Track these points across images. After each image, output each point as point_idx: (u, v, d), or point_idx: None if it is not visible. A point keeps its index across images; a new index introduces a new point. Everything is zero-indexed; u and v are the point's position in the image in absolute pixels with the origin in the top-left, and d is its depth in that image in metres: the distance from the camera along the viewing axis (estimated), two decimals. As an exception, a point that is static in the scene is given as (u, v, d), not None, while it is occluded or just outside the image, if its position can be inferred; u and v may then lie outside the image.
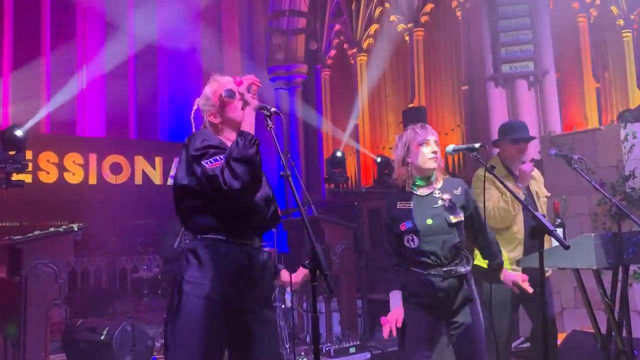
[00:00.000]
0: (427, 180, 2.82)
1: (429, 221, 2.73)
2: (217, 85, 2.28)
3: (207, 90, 2.30)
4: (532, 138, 3.68)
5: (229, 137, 2.24)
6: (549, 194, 3.71)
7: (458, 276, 2.74)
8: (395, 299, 2.76)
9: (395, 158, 2.90)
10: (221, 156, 2.03)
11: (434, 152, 2.78)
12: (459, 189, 2.83)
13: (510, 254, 3.36)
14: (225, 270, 2.10)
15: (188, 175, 2.12)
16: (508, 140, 3.59)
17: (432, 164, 2.78)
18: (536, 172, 3.64)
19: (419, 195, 2.81)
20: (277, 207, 2.32)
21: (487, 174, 2.79)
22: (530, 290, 2.78)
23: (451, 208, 2.77)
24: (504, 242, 3.30)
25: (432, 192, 2.81)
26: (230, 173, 1.94)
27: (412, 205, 2.78)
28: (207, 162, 2.02)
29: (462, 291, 2.76)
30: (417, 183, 2.83)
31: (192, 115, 2.31)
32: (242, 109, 2.14)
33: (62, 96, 9.28)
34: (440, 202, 2.78)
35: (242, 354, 2.18)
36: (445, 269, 2.71)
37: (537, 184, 3.65)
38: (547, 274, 3.46)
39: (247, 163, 1.97)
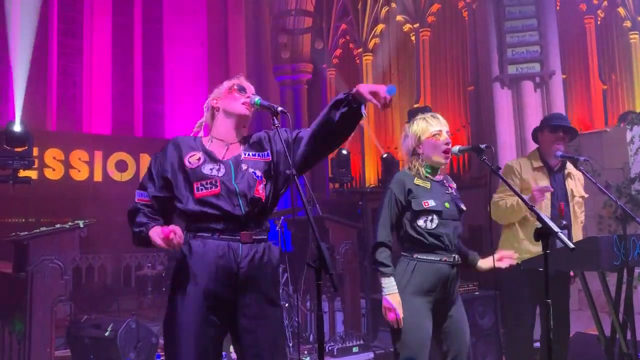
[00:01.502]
0: (436, 170, 2.78)
1: (447, 205, 2.69)
2: (236, 80, 2.35)
3: (225, 82, 2.39)
4: (572, 129, 3.55)
5: (221, 124, 2.30)
6: (585, 195, 3.63)
7: (458, 266, 2.73)
8: (391, 285, 2.59)
9: (405, 148, 2.79)
10: (145, 193, 2.21)
11: (447, 144, 2.70)
12: (454, 184, 2.83)
13: (534, 248, 3.23)
14: (206, 264, 2.09)
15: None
16: (547, 127, 3.53)
17: (444, 159, 2.73)
18: (577, 171, 3.55)
19: (434, 180, 2.75)
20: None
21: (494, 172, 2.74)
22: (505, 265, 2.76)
23: (458, 197, 2.77)
24: (529, 235, 3.23)
25: (442, 179, 2.79)
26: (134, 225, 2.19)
27: (429, 185, 2.71)
28: (137, 193, 2.23)
29: (456, 284, 2.74)
30: (427, 171, 2.74)
31: (205, 105, 2.40)
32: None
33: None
34: (449, 190, 2.77)
35: (241, 351, 2.15)
36: (453, 255, 2.69)
37: (575, 183, 3.58)
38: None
39: (135, 238, 2.19)
